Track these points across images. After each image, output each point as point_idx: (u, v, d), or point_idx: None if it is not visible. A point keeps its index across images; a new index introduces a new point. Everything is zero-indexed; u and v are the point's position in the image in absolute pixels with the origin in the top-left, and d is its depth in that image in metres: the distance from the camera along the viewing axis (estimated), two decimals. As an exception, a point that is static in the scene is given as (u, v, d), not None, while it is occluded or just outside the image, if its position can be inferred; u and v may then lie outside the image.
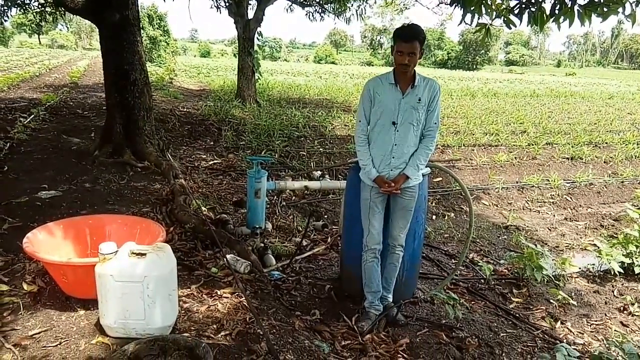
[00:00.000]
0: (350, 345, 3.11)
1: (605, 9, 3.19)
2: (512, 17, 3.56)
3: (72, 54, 49.06)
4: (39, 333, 2.55)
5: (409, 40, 2.98)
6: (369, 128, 3.24)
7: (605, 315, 4.06)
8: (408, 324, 3.46)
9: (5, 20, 11.30)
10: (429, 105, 3.14)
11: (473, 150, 9.61)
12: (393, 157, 3.18)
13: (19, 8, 10.75)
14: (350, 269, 3.74)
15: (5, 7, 10.53)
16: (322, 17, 14.20)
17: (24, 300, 2.84)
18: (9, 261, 3.34)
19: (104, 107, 7.07)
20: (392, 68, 3.20)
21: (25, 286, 2.98)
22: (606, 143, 11.15)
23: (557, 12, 3.38)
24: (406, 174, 3.18)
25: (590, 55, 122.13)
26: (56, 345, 2.45)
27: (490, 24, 3.63)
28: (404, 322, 3.45)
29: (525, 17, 3.54)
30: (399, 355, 3.06)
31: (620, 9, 3.18)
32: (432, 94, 3.12)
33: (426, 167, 3.57)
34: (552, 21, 3.43)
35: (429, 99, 3.12)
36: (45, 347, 2.44)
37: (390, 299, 3.52)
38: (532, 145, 10.21)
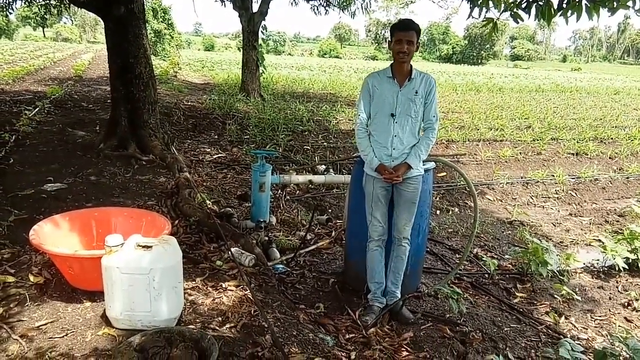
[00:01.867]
0: (354, 339, 3.12)
1: (615, 4, 3.16)
2: (519, 11, 3.54)
3: (77, 47, 49.17)
4: (45, 324, 2.57)
5: (406, 29, 3.14)
6: (369, 121, 3.35)
7: (610, 310, 4.05)
8: (415, 322, 3.42)
9: (11, 13, 11.32)
10: (426, 98, 3.25)
11: (478, 145, 9.58)
12: (394, 149, 3.25)
13: (24, 1, 10.77)
14: (354, 263, 3.74)
15: (11, 0, 10.54)
16: (326, 10, 14.17)
17: (30, 292, 2.86)
18: (16, 253, 3.37)
19: (109, 100, 7.09)
20: (390, 63, 3.32)
21: (31, 278, 3.00)
22: (612, 139, 11.10)
23: (564, 6, 3.35)
24: (408, 163, 3.22)
25: (596, 50, 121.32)
26: (62, 337, 2.47)
27: (498, 18, 3.61)
28: (413, 320, 3.41)
29: (533, 11, 3.52)
30: (402, 349, 3.06)
31: (630, 3, 3.14)
32: (428, 88, 3.25)
33: (431, 161, 3.58)
34: (560, 15, 3.40)
35: (425, 92, 3.24)
36: (51, 338, 2.46)
37: (399, 295, 3.48)
38: (537, 140, 10.17)
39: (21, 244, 3.46)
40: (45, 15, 12.09)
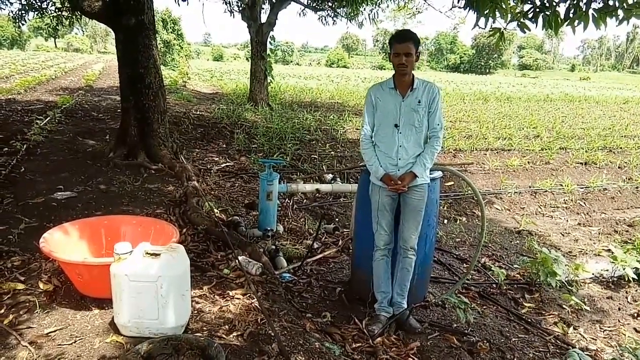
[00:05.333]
0: (360, 348, 3.11)
1: (621, 13, 3.17)
2: (526, 21, 3.55)
3: (87, 57, 49.76)
4: (54, 331, 2.59)
5: (403, 41, 3.13)
6: (373, 132, 3.36)
7: (619, 321, 4.01)
8: (422, 332, 3.41)
9: (23, 24, 11.47)
10: (430, 107, 3.24)
11: (485, 154, 9.56)
12: (399, 159, 3.26)
13: (36, 12, 10.93)
14: (361, 272, 3.74)
15: (23, 11, 10.71)
16: (334, 21, 14.25)
17: (39, 299, 2.89)
18: (26, 260, 3.40)
19: (119, 110, 7.16)
20: (393, 74, 3.32)
21: (41, 285, 3.03)
22: (621, 148, 11.04)
23: (571, 15, 3.37)
24: (413, 172, 3.22)
25: (605, 59, 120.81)
26: (71, 344, 2.49)
27: (505, 28, 3.62)
28: (420, 330, 3.41)
29: (540, 21, 3.53)
30: (409, 359, 3.05)
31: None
32: (431, 96, 3.23)
33: (438, 170, 3.59)
34: (567, 25, 3.42)
35: (428, 101, 3.23)
36: (60, 345, 2.48)
37: (405, 305, 3.47)
38: (546, 149, 10.13)
39: (31, 252, 3.50)
40: (57, 26, 12.22)
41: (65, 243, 3.11)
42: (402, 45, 3.11)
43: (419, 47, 3.20)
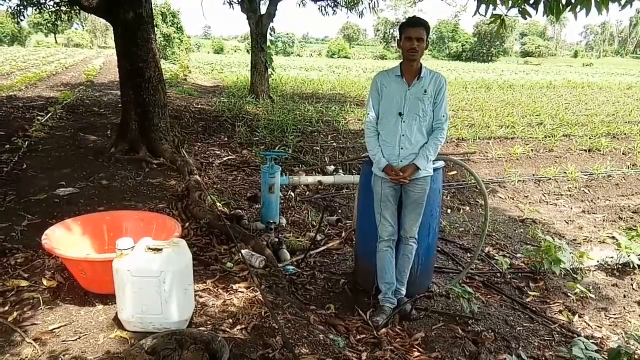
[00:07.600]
0: (365, 339, 3.11)
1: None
2: (527, 7, 3.50)
3: (88, 52, 49.64)
4: (58, 328, 2.60)
5: (416, 25, 3.12)
6: (377, 120, 3.32)
7: (624, 308, 4.00)
8: (419, 318, 3.46)
9: (22, 20, 11.44)
10: (435, 97, 3.21)
11: (488, 143, 9.52)
12: (401, 148, 3.23)
13: (34, 7, 10.89)
14: (364, 263, 3.74)
15: (22, 7, 10.67)
16: (334, 11, 14.16)
17: (43, 296, 2.89)
18: (29, 257, 3.41)
19: (120, 105, 7.14)
20: (399, 62, 3.30)
21: (44, 282, 3.04)
22: (625, 134, 10.95)
23: (573, 0, 3.31)
24: (415, 164, 3.19)
25: (608, 45, 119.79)
26: (75, 340, 2.49)
27: (505, 15, 3.57)
28: (415, 317, 3.46)
29: (541, 6, 3.48)
30: (414, 349, 3.05)
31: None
32: (438, 87, 3.21)
33: (440, 160, 3.56)
34: (569, 10, 3.36)
35: (434, 92, 3.21)
36: (64, 341, 2.48)
37: (404, 292, 3.52)
38: (549, 137, 10.07)
39: (34, 248, 3.50)
40: (56, 22, 12.20)
41: (67, 239, 3.11)
42: (415, 30, 3.10)
43: (429, 35, 3.18)
